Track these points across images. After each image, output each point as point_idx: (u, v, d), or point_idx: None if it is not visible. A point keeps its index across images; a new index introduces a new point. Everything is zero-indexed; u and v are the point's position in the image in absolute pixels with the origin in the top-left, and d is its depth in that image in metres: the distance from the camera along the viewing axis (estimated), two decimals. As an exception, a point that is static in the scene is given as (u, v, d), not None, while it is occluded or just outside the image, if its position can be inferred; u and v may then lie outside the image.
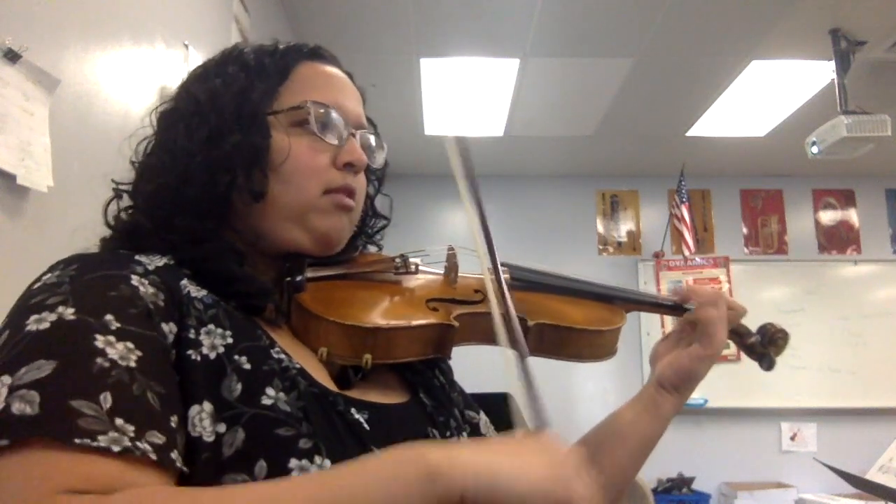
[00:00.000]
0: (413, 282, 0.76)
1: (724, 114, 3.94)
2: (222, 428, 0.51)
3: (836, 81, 3.11)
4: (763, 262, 4.89)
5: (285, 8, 2.88)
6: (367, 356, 0.64)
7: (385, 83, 3.51)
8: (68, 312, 0.49)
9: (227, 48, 0.74)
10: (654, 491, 4.21)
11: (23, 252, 1.11)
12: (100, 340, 0.48)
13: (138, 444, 0.45)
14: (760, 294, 4.71)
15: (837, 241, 4.96)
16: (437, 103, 3.81)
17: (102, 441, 0.43)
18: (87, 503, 0.41)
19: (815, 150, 3.20)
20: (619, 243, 4.98)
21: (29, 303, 0.51)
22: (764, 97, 3.74)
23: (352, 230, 0.73)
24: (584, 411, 4.55)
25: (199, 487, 0.47)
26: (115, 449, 0.44)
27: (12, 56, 1.09)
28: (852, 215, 5.00)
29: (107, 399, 0.45)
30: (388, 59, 3.29)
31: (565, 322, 0.77)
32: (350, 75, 0.76)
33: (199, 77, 0.71)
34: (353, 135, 0.70)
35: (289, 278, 0.67)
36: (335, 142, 0.68)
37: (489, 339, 0.68)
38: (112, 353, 0.48)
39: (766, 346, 0.87)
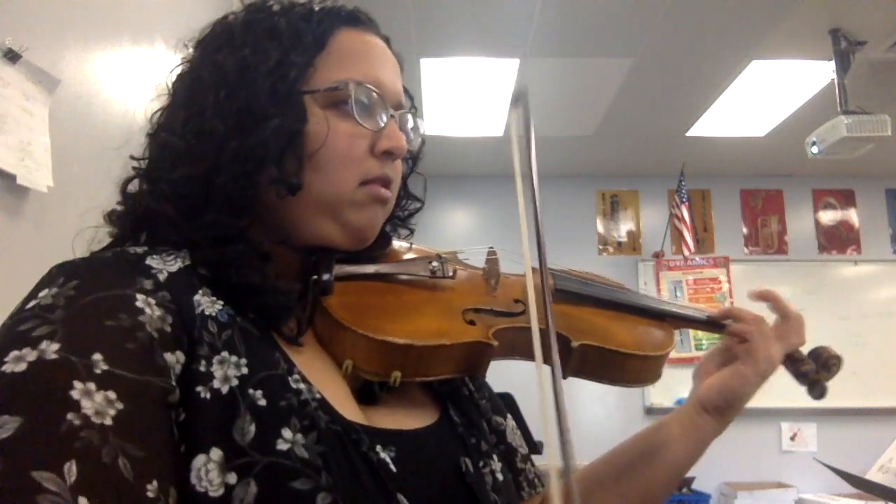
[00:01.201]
0: (449, 287, 0.69)
1: (724, 114, 3.94)
2: (232, 479, 0.46)
3: (836, 81, 3.11)
4: (763, 262, 4.88)
5: (285, 8, 2.88)
6: (397, 374, 0.58)
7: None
8: (51, 350, 0.43)
9: (255, 4, 0.65)
10: (654, 491, 4.20)
11: (23, 252, 1.11)
12: (77, 389, 0.42)
13: None
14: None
15: (837, 241, 4.96)
16: (437, 103, 3.81)
17: None
18: None
19: (815, 150, 3.20)
20: (619, 243, 4.98)
21: (15, 330, 0.46)
22: (764, 97, 3.74)
23: (384, 220, 0.67)
24: (583, 411, 4.56)
25: None
26: None
27: (12, 56, 1.09)
28: (852, 215, 5.00)
29: (71, 470, 0.40)
30: (388, 59, 3.29)
31: (612, 345, 0.69)
32: (388, 41, 0.69)
33: (224, 40, 0.62)
34: (393, 116, 0.63)
35: (315, 277, 0.60)
36: (374, 127, 0.62)
37: (529, 355, 0.60)
38: (87, 406, 0.42)
39: (818, 372, 0.80)
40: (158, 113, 0.64)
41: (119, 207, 0.62)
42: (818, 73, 3.38)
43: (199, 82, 0.61)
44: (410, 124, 0.68)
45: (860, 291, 4.76)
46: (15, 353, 0.44)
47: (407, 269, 0.68)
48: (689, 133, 4.23)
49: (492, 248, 0.74)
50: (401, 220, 0.74)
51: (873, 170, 4.73)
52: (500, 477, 0.63)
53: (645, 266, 4.82)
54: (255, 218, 0.59)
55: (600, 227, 5.01)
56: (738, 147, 4.45)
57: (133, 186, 0.62)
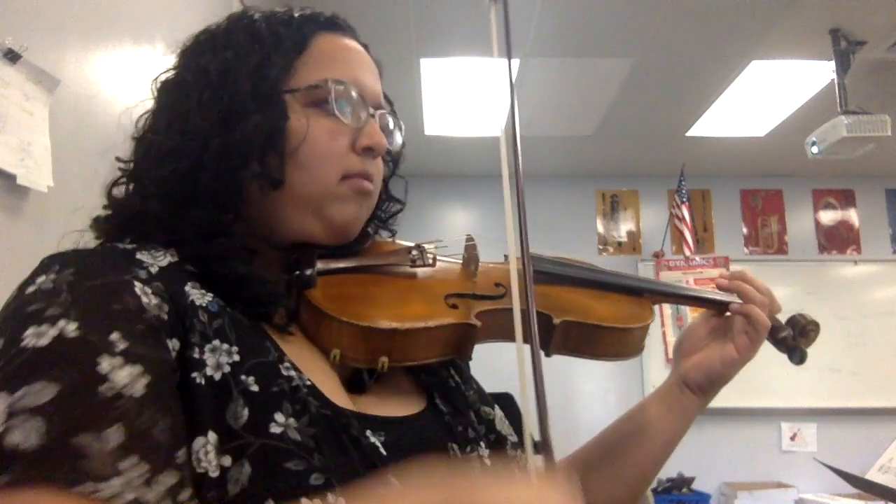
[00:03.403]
0: (430, 275, 0.71)
1: (724, 114, 3.94)
2: (227, 461, 0.47)
3: (836, 81, 3.11)
4: (763, 262, 4.88)
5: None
6: (384, 359, 0.59)
7: (385, 83, 3.50)
8: (70, 328, 0.45)
9: (235, 13, 0.68)
10: (654, 491, 4.20)
11: (23, 252, 1.11)
12: (105, 364, 0.44)
13: (145, 494, 0.41)
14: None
15: (837, 241, 4.95)
16: (437, 103, 3.81)
17: (107, 490, 0.40)
18: None
19: (815, 150, 3.20)
20: (619, 243, 4.98)
21: (25, 311, 0.46)
22: (764, 97, 3.74)
23: (367, 216, 0.69)
24: (583, 411, 4.56)
25: None
26: (120, 502, 0.40)
27: (12, 56, 1.09)
28: (852, 215, 5.00)
29: (113, 435, 0.42)
30: (388, 59, 3.27)
31: (592, 319, 0.72)
32: (366, 47, 0.71)
33: (207, 46, 0.64)
34: (373, 115, 0.66)
35: (297, 272, 0.61)
36: (354, 124, 0.63)
37: (512, 336, 0.62)
38: (118, 379, 0.44)
39: (797, 339, 0.82)
40: (144, 117, 0.65)
41: (105, 213, 0.63)
42: (818, 73, 3.38)
43: (183, 85, 0.63)
44: (391, 125, 0.70)
45: (860, 291, 4.75)
46: (33, 328, 0.45)
47: (388, 261, 0.69)
48: (689, 133, 4.23)
49: (469, 235, 0.76)
50: (382, 221, 0.76)
51: (873, 170, 4.73)
52: (487, 462, 0.65)
53: (645, 266, 4.81)
54: (239, 214, 0.61)
55: (600, 227, 5.01)
56: (738, 147, 4.44)
57: (119, 192, 0.64)
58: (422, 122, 4.03)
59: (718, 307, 0.81)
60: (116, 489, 0.40)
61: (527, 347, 0.53)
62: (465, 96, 3.75)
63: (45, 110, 1.17)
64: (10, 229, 1.10)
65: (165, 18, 1.73)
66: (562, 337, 0.70)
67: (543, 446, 0.47)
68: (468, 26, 3.05)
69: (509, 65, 0.60)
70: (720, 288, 0.81)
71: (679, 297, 0.84)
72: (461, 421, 0.67)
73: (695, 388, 0.78)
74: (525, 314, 0.53)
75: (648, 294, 0.80)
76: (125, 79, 1.50)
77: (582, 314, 0.72)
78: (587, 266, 0.81)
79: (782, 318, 0.84)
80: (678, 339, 0.82)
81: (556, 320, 0.69)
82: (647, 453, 0.77)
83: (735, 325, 0.78)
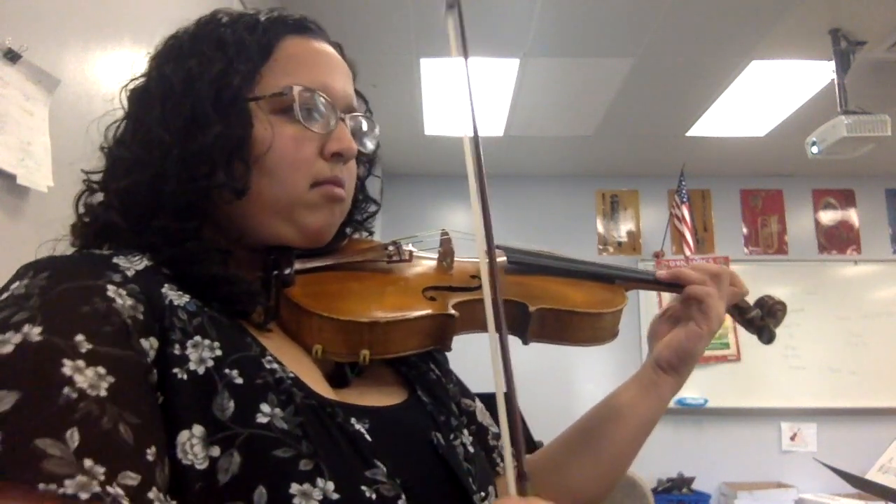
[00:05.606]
0: (407, 270, 0.72)
1: (724, 114, 3.94)
2: (216, 451, 0.47)
3: (836, 81, 3.11)
4: (763, 262, 4.88)
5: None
6: (365, 352, 0.60)
7: (385, 83, 3.51)
8: (34, 332, 0.45)
9: (204, 17, 0.67)
10: (654, 491, 4.20)
11: (23, 252, 1.11)
12: (67, 366, 0.44)
13: (109, 488, 0.41)
14: (760, 294, 4.69)
15: (837, 241, 4.95)
16: (437, 103, 3.81)
17: (69, 487, 0.40)
18: None
19: (815, 149, 3.20)
20: (619, 243, 4.98)
21: None
22: (764, 97, 3.74)
23: (341, 220, 0.69)
24: (584, 412, 4.56)
25: None
26: (83, 496, 0.40)
27: (12, 56, 1.09)
28: (852, 215, 5.00)
29: (74, 436, 0.41)
30: (388, 59, 3.29)
31: (567, 306, 0.73)
32: (339, 46, 0.70)
33: (173, 53, 0.64)
34: (342, 119, 0.65)
35: (276, 272, 0.62)
36: (322, 130, 0.63)
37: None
38: (80, 380, 0.44)
39: (765, 318, 0.86)
40: (114, 127, 0.66)
41: (84, 220, 0.64)
42: (818, 73, 3.38)
43: (147, 95, 0.63)
44: (364, 127, 0.70)
45: (860, 291, 4.75)
46: None
47: (365, 257, 0.71)
48: (689, 133, 4.23)
49: (444, 230, 0.76)
50: (359, 222, 0.76)
51: (873, 170, 4.73)
52: (471, 449, 0.66)
53: (645, 266, 4.81)
54: (207, 220, 0.61)
55: (600, 227, 5.01)
56: (738, 147, 4.45)
57: (92, 200, 0.64)
58: (422, 122, 4.03)
59: (677, 289, 0.85)
60: (78, 487, 0.40)
61: (502, 335, 0.53)
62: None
63: (45, 110, 1.17)
64: (10, 229, 1.10)
65: (165, 18, 1.73)
66: (538, 324, 0.72)
67: (513, 438, 0.47)
68: (468, 26, 3.04)
69: (466, 68, 0.65)
70: (663, 281, 0.86)
71: (644, 283, 0.88)
72: (443, 411, 0.67)
73: (667, 368, 0.80)
74: (494, 303, 0.54)
75: (620, 280, 0.83)
76: (125, 79, 1.50)
77: (556, 301, 0.73)
78: (560, 256, 0.83)
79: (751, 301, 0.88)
80: (650, 326, 0.86)
81: (532, 308, 0.71)
82: (625, 435, 0.79)
83: (692, 305, 0.81)
